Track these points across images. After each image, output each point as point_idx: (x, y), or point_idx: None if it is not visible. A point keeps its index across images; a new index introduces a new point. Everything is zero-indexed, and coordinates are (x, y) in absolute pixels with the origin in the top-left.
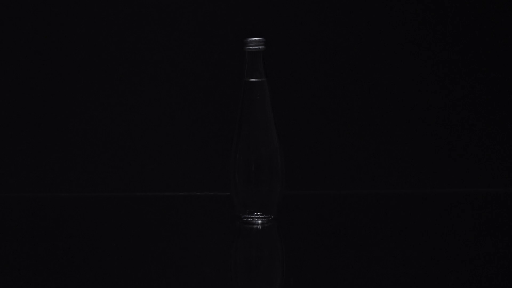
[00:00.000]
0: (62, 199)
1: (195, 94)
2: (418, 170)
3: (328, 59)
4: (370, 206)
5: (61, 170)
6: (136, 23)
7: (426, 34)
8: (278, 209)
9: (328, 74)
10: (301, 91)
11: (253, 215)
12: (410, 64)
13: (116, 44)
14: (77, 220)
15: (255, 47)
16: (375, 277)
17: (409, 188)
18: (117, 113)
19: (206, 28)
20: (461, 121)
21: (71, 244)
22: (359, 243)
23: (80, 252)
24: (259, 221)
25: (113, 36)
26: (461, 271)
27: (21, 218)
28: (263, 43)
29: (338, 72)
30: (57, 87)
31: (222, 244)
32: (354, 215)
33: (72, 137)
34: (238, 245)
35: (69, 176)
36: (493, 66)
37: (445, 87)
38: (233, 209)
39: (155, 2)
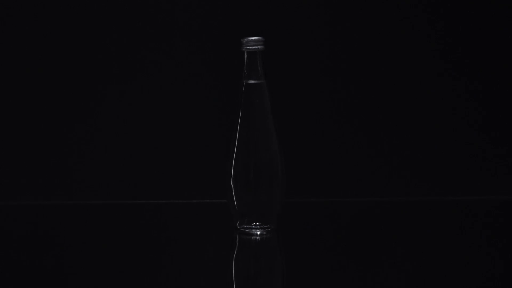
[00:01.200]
0: (58, 206)
1: (191, 96)
2: (422, 178)
3: (330, 60)
4: (375, 215)
5: (56, 178)
6: (133, 24)
7: (431, 34)
8: (278, 219)
9: (330, 75)
10: (302, 93)
11: (252, 225)
12: (414, 67)
13: (115, 45)
14: (72, 228)
15: (254, 47)
16: None
17: (414, 196)
18: (112, 118)
19: (202, 27)
20: (463, 126)
21: (66, 251)
22: (365, 255)
23: (75, 260)
24: (258, 232)
25: (111, 37)
26: (462, 277)
27: (19, 226)
28: (262, 43)
29: (340, 74)
30: (54, 91)
31: (218, 256)
32: (359, 224)
33: (68, 145)
34: (236, 257)
35: (64, 184)
36: (498, 67)
37: (448, 92)
38: (230, 218)
39: (152, 2)
